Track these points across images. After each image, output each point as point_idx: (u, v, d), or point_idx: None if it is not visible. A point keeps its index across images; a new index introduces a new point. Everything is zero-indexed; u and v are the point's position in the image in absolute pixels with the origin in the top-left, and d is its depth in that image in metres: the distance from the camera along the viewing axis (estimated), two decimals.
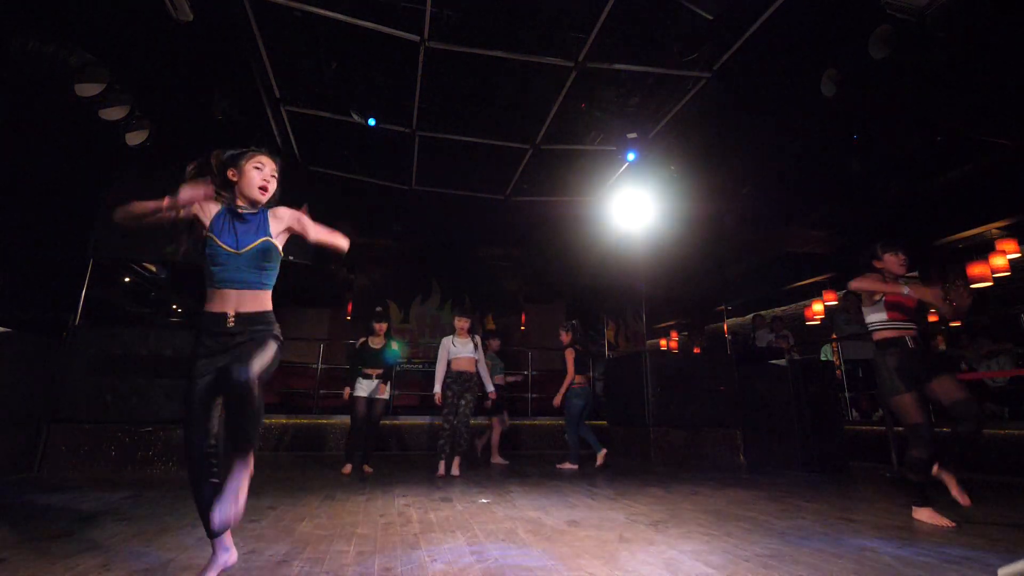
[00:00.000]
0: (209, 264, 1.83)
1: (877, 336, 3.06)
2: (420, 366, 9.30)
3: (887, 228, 7.72)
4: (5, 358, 3.95)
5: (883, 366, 2.96)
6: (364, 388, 4.96)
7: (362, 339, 5.16)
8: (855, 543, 2.38)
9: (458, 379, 4.88)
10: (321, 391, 7.56)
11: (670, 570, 1.98)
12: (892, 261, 3.06)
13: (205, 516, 1.74)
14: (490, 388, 5.14)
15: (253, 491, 3.57)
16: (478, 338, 5.10)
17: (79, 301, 4.80)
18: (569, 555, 2.16)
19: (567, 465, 5.27)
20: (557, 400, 5.40)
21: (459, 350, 4.93)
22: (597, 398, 8.63)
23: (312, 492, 3.64)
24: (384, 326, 5.17)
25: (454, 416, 4.83)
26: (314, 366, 7.74)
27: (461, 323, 5.06)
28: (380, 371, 5.01)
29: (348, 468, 4.81)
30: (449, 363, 4.93)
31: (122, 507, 2.99)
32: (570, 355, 5.42)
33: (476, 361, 4.97)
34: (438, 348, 5.03)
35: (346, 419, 6.86)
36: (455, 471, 4.70)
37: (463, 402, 4.86)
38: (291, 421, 6.78)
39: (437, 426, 7.16)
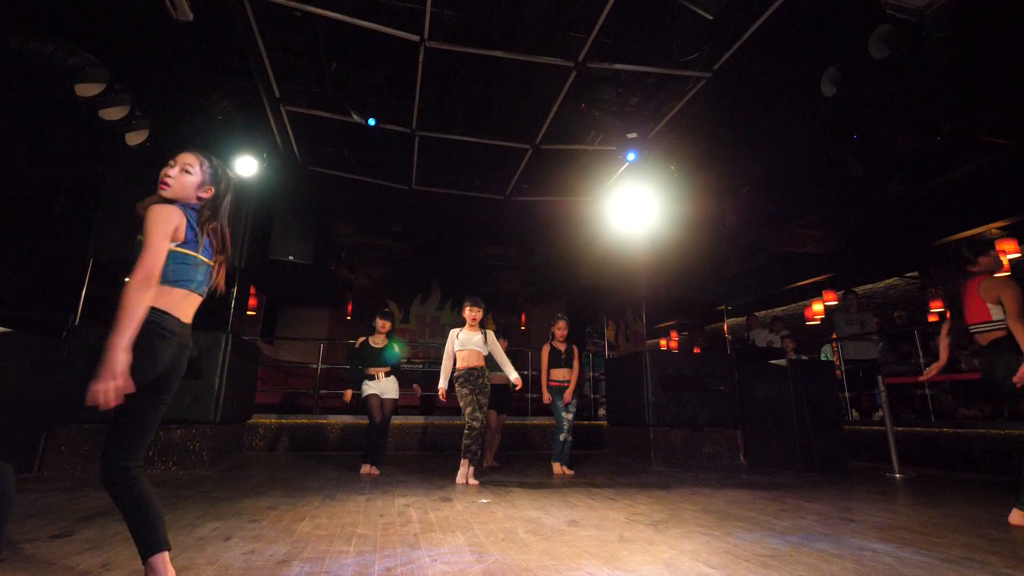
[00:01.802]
0: None
1: (1000, 335, 3.02)
2: (420, 366, 9.30)
3: (887, 228, 7.73)
4: (5, 358, 3.95)
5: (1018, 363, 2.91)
6: (375, 387, 4.85)
7: (361, 339, 5.08)
8: (855, 543, 2.38)
9: (469, 376, 4.39)
10: (321, 391, 7.56)
11: (670, 570, 1.98)
12: (987, 262, 3.06)
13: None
14: (514, 375, 4.52)
15: (253, 491, 3.60)
16: (489, 332, 4.59)
17: (79, 301, 4.79)
18: (569, 555, 2.16)
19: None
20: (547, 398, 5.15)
21: (465, 342, 4.45)
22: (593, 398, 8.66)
23: (312, 492, 3.64)
24: (388, 324, 5.07)
25: (481, 413, 4.31)
26: (314, 366, 7.74)
27: (472, 313, 4.51)
28: (386, 369, 4.94)
29: (366, 468, 4.70)
30: (456, 359, 4.50)
31: None
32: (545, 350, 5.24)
33: (484, 356, 4.49)
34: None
35: (346, 419, 6.89)
36: (472, 480, 4.20)
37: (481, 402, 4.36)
38: (291, 421, 6.78)
39: (440, 425, 7.18)
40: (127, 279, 1.51)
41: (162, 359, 1.60)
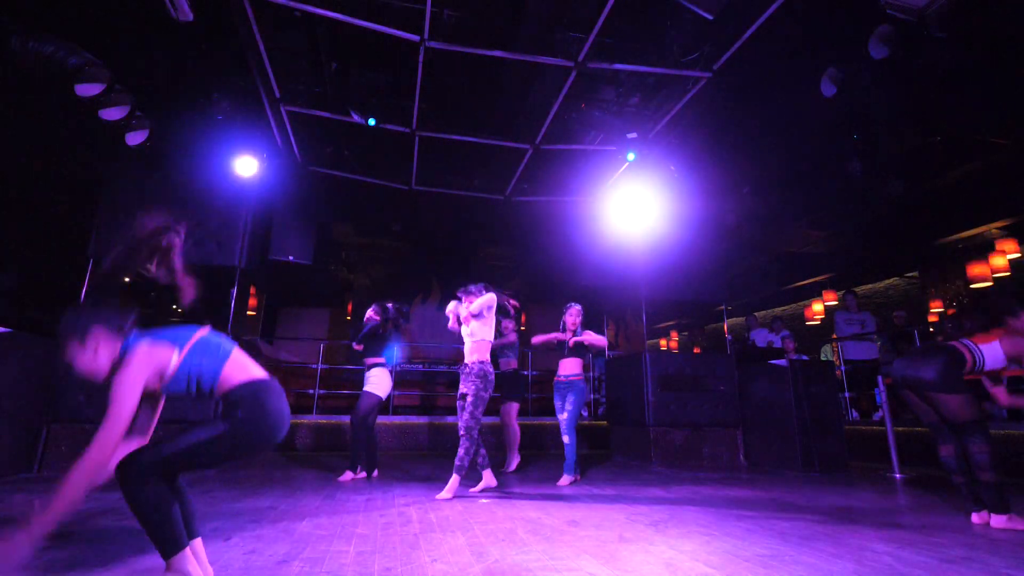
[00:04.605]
0: None
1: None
2: (420, 366, 9.30)
3: (887, 228, 7.73)
4: (5, 358, 3.95)
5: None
6: (381, 384, 4.49)
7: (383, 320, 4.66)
8: (855, 543, 2.38)
9: (460, 372, 3.84)
10: (321, 391, 7.55)
11: (670, 570, 1.98)
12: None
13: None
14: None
15: (253, 491, 3.60)
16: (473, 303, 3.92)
17: (79, 301, 4.80)
18: (569, 555, 2.16)
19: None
20: None
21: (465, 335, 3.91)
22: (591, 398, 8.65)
23: (312, 492, 3.64)
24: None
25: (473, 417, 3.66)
26: (314, 366, 7.73)
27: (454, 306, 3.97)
28: (382, 360, 4.59)
29: (357, 475, 4.32)
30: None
31: (122, 507, 2.97)
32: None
33: (483, 343, 3.81)
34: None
35: (345, 420, 6.88)
36: (491, 481, 3.75)
37: (464, 402, 3.70)
38: (290, 421, 6.77)
39: (440, 426, 7.18)
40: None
41: None
